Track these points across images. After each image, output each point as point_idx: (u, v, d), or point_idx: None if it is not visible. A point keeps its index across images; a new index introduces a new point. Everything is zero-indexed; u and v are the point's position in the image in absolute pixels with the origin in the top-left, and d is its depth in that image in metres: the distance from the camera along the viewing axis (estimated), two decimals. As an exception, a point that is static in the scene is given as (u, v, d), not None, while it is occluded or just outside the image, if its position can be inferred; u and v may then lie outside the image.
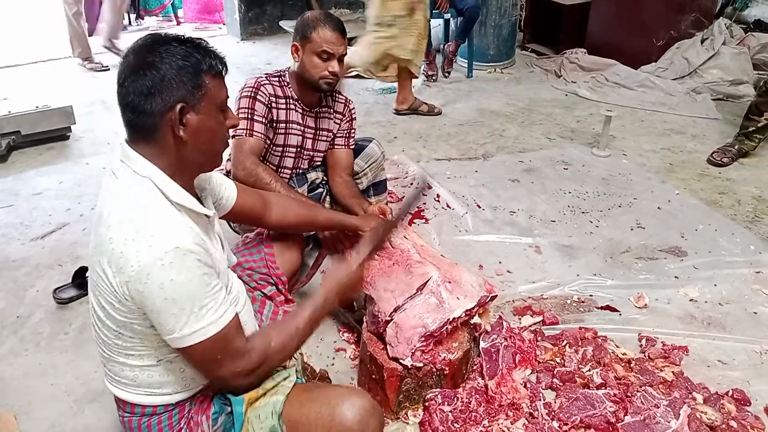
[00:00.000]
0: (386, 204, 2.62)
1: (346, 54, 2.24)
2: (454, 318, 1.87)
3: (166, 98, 1.22)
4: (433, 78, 5.08)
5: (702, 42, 4.86)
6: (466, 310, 1.90)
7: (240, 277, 1.69)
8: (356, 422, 1.34)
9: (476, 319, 2.00)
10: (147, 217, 1.21)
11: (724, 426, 1.82)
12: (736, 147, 3.61)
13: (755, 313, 2.37)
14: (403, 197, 3.17)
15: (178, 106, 1.22)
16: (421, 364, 1.83)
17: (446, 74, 5.17)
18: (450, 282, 1.96)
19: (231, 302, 1.33)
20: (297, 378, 1.45)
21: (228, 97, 1.35)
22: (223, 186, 1.59)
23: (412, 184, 3.32)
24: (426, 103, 4.42)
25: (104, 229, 1.22)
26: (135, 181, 1.25)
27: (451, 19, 5.15)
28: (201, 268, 1.22)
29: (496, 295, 2.07)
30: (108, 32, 5.44)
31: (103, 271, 1.21)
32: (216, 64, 1.28)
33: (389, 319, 1.88)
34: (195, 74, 1.24)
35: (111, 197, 1.26)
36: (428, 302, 1.90)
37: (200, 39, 1.30)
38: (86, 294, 2.43)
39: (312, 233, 2.34)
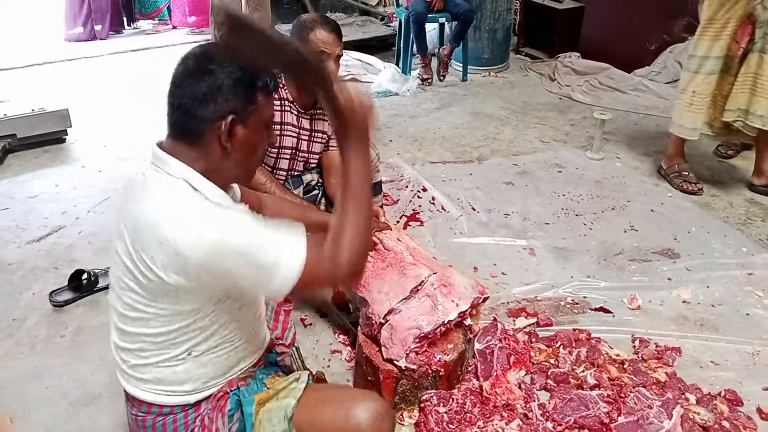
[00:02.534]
0: (381, 206, 2.63)
1: (341, 55, 2.26)
2: (448, 320, 1.89)
3: (219, 107, 1.24)
4: (429, 81, 5.10)
5: (695, 46, 4.89)
6: (461, 312, 1.91)
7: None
8: (370, 425, 1.36)
9: (469, 321, 2.01)
10: (193, 209, 1.23)
11: (716, 426, 1.84)
12: (739, 140, 3.60)
13: (747, 314, 2.39)
14: (398, 200, 3.19)
15: (229, 117, 1.24)
16: (414, 366, 1.84)
17: (441, 78, 5.19)
18: (445, 285, 1.97)
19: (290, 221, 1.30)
20: (309, 380, 1.47)
21: (273, 115, 1.37)
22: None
23: (407, 187, 3.33)
24: None
25: (149, 231, 1.22)
26: (170, 182, 1.26)
27: (446, 22, 5.17)
28: (248, 214, 1.25)
29: (488, 297, 2.08)
30: None
31: (158, 272, 1.21)
32: (270, 82, 1.30)
33: (383, 321, 1.89)
34: (250, 88, 1.26)
35: (148, 200, 1.26)
36: (423, 304, 1.91)
37: None
38: (82, 297, 2.43)
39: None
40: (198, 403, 1.43)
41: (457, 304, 1.92)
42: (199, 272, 1.21)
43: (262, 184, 2.14)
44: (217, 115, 1.24)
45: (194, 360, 1.38)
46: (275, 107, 2.26)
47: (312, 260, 1.22)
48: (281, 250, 1.21)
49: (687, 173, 3.41)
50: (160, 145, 1.30)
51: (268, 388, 1.43)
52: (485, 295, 2.04)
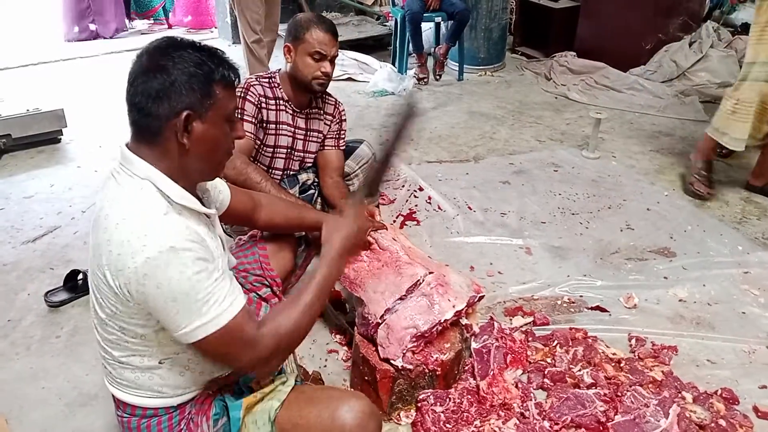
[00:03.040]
0: (377, 206, 2.63)
1: (337, 55, 2.26)
2: (445, 319, 1.88)
3: (173, 104, 1.21)
4: (425, 81, 5.10)
5: (690, 45, 4.90)
6: (457, 311, 1.91)
7: (236, 279, 1.70)
8: (355, 425, 1.35)
9: (466, 320, 2.01)
10: (142, 218, 1.20)
11: (713, 425, 1.84)
12: None
13: (743, 312, 2.40)
14: (394, 199, 3.19)
15: (184, 114, 1.21)
16: (411, 366, 1.84)
17: (437, 77, 5.20)
18: (441, 285, 1.97)
19: (238, 291, 1.31)
20: (297, 381, 1.46)
21: (237, 108, 1.33)
22: (217, 188, 1.60)
23: (403, 186, 3.33)
24: None
25: (102, 231, 1.22)
26: (133, 183, 1.24)
27: (442, 22, 5.18)
28: (197, 264, 1.21)
29: (484, 295, 2.08)
30: None
31: (103, 273, 1.21)
32: (229, 74, 1.28)
33: (380, 321, 1.88)
34: (206, 83, 1.23)
35: (109, 200, 1.25)
36: (420, 304, 1.91)
37: (216, 48, 1.29)
38: (78, 297, 2.43)
39: (303, 233, 2.35)
40: (182, 405, 1.41)
41: (454, 304, 1.92)
42: (129, 281, 1.19)
43: (257, 183, 2.13)
44: (173, 112, 1.21)
45: (169, 369, 1.36)
46: (270, 107, 2.26)
47: (236, 327, 1.25)
48: (215, 301, 1.23)
49: (706, 174, 3.27)
50: (127, 145, 1.28)
51: (255, 393, 1.42)
52: (480, 294, 2.04)
